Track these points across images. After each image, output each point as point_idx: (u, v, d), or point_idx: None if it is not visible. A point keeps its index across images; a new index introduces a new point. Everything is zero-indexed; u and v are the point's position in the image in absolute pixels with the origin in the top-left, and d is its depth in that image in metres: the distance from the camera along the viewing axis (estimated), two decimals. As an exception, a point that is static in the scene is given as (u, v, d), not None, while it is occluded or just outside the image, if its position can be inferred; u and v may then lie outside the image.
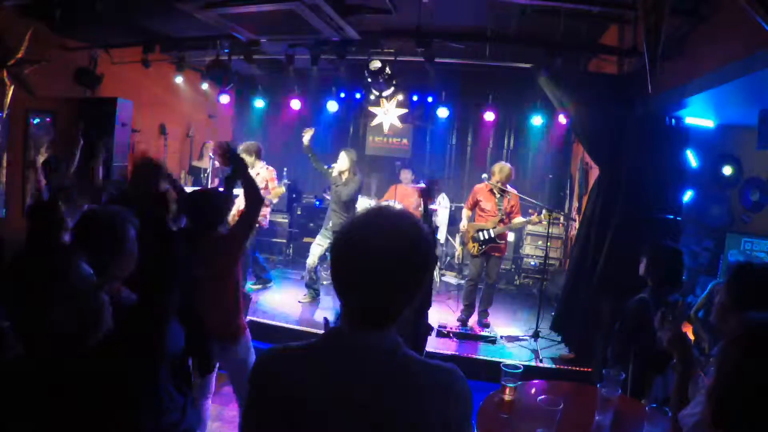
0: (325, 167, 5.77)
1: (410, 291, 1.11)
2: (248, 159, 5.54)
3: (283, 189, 6.14)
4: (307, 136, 5.61)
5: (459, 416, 1.11)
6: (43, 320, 1.25)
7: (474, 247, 5.36)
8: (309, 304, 5.81)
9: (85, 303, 1.30)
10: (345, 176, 5.60)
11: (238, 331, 2.90)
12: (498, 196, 5.39)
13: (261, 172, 5.68)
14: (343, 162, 5.61)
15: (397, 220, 1.12)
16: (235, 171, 3.00)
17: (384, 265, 1.06)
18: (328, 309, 5.68)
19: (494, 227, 5.31)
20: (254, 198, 2.93)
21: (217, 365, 3.02)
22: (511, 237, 7.62)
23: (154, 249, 1.68)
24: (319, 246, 5.69)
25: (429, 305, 2.82)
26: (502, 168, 5.34)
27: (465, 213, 5.55)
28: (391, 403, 1.07)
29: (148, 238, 1.75)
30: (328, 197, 7.06)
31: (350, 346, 1.11)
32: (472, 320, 5.55)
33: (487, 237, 5.32)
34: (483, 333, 5.16)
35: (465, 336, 5.10)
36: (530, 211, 7.61)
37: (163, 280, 1.60)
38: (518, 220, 5.52)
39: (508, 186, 5.39)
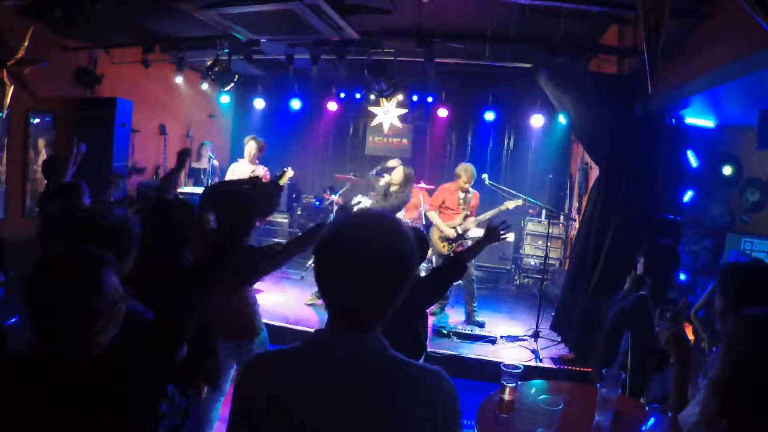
0: (373, 172, 5.88)
1: (393, 291, 1.11)
2: (256, 151, 5.60)
3: (291, 172, 6.13)
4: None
5: (446, 418, 1.11)
6: (65, 324, 1.25)
7: (444, 246, 5.44)
8: (311, 304, 5.83)
9: (111, 312, 1.30)
10: (393, 188, 5.45)
11: (253, 332, 2.87)
12: (462, 194, 5.47)
13: (257, 170, 5.64)
14: (397, 174, 5.48)
15: (381, 222, 1.14)
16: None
17: (366, 265, 1.07)
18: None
19: (461, 223, 5.42)
20: (292, 255, 2.81)
21: (234, 367, 2.99)
22: (511, 237, 7.62)
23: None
24: None
25: (420, 312, 2.75)
26: (466, 168, 5.41)
27: (434, 216, 5.52)
28: (376, 405, 1.06)
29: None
30: (329, 197, 7.06)
31: (334, 348, 1.11)
32: (462, 321, 5.55)
33: (456, 234, 5.40)
34: (483, 333, 5.17)
35: (465, 336, 5.10)
36: (530, 210, 7.66)
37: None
38: (472, 219, 5.56)
39: (470, 187, 5.50)
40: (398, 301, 1.13)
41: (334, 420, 1.06)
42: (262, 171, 5.66)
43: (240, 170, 5.59)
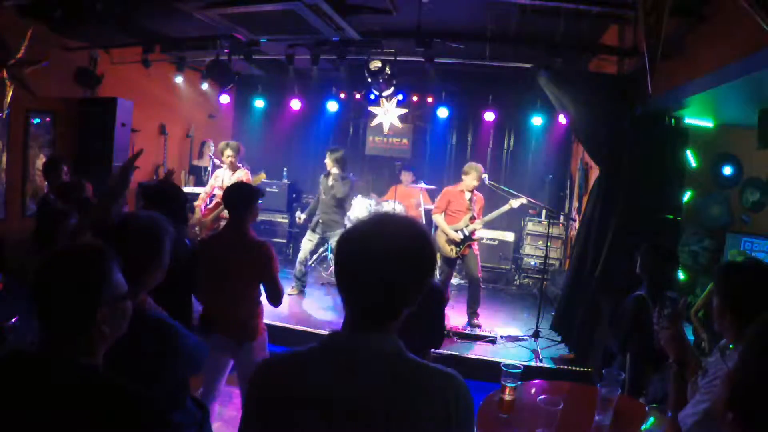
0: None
1: (410, 292, 1.12)
2: (233, 157, 5.59)
3: (263, 176, 6.17)
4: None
5: (460, 421, 1.11)
6: (65, 319, 1.24)
7: (452, 249, 5.36)
8: (309, 303, 5.83)
9: (113, 309, 1.29)
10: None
11: (254, 333, 2.90)
12: (468, 195, 5.43)
13: (238, 173, 5.63)
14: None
15: (401, 223, 1.15)
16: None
17: (385, 264, 1.08)
18: (327, 309, 5.69)
19: (467, 225, 5.35)
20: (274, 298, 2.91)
21: (230, 364, 3.01)
22: (511, 237, 7.64)
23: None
24: None
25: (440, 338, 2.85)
26: (477, 167, 5.36)
27: (440, 220, 5.42)
28: (388, 406, 1.06)
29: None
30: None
31: (350, 349, 1.11)
32: (462, 323, 5.54)
33: (462, 236, 5.34)
34: (483, 333, 5.16)
35: (465, 336, 5.10)
36: (530, 210, 7.66)
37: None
38: (478, 221, 5.49)
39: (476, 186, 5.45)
40: (416, 301, 1.13)
41: (346, 421, 1.06)
42: (243, 174, 5.64)
43: (222, 176, 5.66)
